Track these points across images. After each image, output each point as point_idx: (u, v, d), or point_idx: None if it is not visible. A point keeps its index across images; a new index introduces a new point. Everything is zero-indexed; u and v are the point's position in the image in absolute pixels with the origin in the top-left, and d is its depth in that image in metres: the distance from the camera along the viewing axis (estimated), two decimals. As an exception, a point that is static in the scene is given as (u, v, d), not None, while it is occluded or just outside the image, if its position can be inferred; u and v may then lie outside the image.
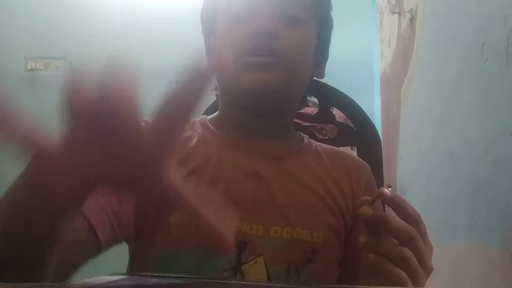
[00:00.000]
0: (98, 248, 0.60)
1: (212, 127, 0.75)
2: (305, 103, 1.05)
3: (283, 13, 0.70)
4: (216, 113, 0.79)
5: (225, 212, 0.52)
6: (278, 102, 0.72)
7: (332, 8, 0.79)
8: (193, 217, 0.37)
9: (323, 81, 1.00)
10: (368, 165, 0.81)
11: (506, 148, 0.79)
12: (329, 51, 0.81)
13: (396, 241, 0.52)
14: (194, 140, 0.72)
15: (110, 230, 0.61)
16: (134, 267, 0.70)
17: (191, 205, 0.38)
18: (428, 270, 0.53)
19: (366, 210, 0.52)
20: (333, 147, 0.84)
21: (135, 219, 0.66)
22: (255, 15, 0.69)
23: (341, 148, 0.89)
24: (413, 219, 0.52)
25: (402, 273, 0.50)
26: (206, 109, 0.92)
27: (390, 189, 0.53)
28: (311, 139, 0.81)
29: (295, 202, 0.69)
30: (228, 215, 0.47)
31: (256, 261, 0.64)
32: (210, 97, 0.91)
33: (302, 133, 0.82)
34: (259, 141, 0.73)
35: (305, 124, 1.01)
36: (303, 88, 0.77)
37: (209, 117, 0.79)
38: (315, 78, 0.80)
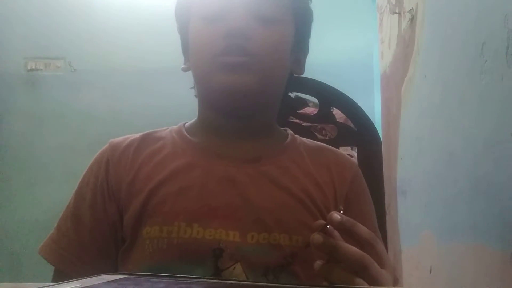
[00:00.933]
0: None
1: (187, 134, 0.75)
2: (305, 104, 1.05)
3: (257, 13, 0.68)
4: (196, 118, 0.78)
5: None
6: (253, 103, 0.70)
7: (311, 0, 0.77)
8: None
9: (323, 81, 1.00)
10: (354, 161, 0.80)
11: (506, 148, 0.79)
12: (309, 46, 0.79)
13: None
14: (164, 152, 0.72)
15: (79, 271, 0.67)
16: None
17: None
18: (385, 266, 0.52)
19: (316, 238, 0.50)
20: (319, 143, 0.82)
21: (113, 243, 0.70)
22: (228, 15, 0.68)
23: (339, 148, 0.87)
24: (367, 243, 0.52)
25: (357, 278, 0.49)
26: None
27: (342, 211, 0.52)
28: (296, 135, 0.80)
29: (272, 206, 0.68)
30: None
31: (235, 268, 0.64)
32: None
33: (289, 130, 0.81)
34: (237, 144, 0.72)
35: (305, 124, 1.01)
36: (281, 86, 0.76)
37: (188, 123, 0.78)
38: (295, 75, 0.79)
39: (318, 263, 0.52)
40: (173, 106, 2.13)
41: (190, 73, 0.76)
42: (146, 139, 0.74)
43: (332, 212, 0.52)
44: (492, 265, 0.84)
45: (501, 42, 0.80)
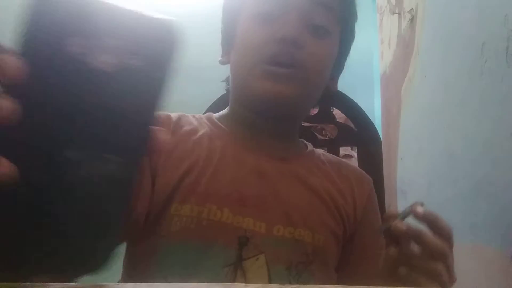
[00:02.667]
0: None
1: (219, 123, 0.75)
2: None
3: (311, 22, 0.67)
4: (225, 110, 0.78)
5: None
6: (290, 111, 0.71)
7: (357, 19, 0.77)
8: None
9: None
10: (370, 177, 0.81)
11: (506, 148, 0.79)
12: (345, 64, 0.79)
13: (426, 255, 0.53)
14: (199, 133, 0.71)
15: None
16: (131, 259, 0.69)
17: None
18: (453, 280, 0.54)
19: (400, 225, 0.53)
20: (336, 157, 0.84)
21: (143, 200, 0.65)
22: (282, 19, 0.66)
23: (345, 161, 0.89)
24: (446, 235, 0.54)
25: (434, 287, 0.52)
26: (213, 103, 0.92)
27: (423, 206, 0.54)
28: (314, 148, 0.81)
29: (299, 203, 0.69)
30: None
31: (258, 258, 0.64)
32: (216, 92, 0.89)
33: (305, 141, 0.82)
34: (266, 141, 0.73)
35: (305, 124, 1.01)
36: (317, 99, 0.76)
37: (216, 114, 0.78)
38: (329, 91, 0.78)
39: (393, 249, 0.55)
40: (174, 106, 2.13)
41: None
42: (183, 119, 0.74)
43: (415, 203, 0.54)
44: (492, 265, 0.84)
45: (501, 42, 0.80)
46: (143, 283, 0.41)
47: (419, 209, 0.53)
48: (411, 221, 0.54)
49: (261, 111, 0.71)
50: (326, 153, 0.82)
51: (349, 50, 0.78)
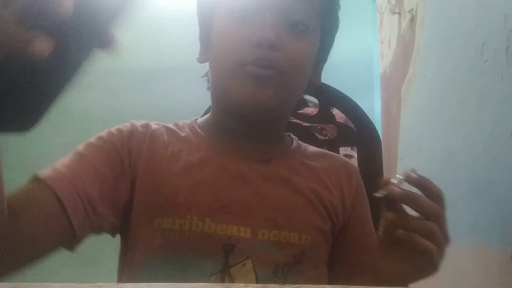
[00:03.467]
0: (72, 233, 0.59)
1: (199, 130, 0.74)
2: (305, 104, 1.05)
3: (289, 18, 0.66)
4: (208, 114, 0.78)
5: None
6: (270, 115, 0.70)
7: (340, 7, 0.75)
8: None
9: (323, 81, 1.00)
10: (356, 167, 0.82)
11: (506, 148, 0.79)
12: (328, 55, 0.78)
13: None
14: (178, 146, 0.71)
15: (84, 216, 0.60)
16: (122, 271, 0.70)
17: None
18: (448, 241, 0.59)
19: (396, 190, 0.55)
20: (322, 150, 0.83)
21: (117, 211, 0.65)
22: (258, 19, 0.64)
23: (339, 152, 0.89)
24: (438, 197, 0.57)
25: (430, 245, 0.55)
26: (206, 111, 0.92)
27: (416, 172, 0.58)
28: (300, 141, 0.80)
29: (283, 204, 0.69)
30: None
31: (244, 264, 0.64)
32: (208, 100, 0.89)
33: (292, 135, 0.81)
34: (247, 145, 0.72)
35: (305, 124, 1.01)
36: (299, 97, 0.76)
37: (200, 119, 0.78)
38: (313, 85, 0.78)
39: (390, 213, 0.57)
40: (174, 106, 2.13)
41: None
42: (161, 130, 0.74)
43: (408, 171, 0.57)
44: (492, 265, 0.84)
45: (501, 42, 0.80)
46: (142, 283, 0.41)
47: (413, 175, 0.57)
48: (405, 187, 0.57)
49: (241, 117, 0.71)
50: (310, 146, 0.81)
51: (333, 41, 0.77)
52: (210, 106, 0.91)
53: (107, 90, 2.78)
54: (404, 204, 0.57)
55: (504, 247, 0.79)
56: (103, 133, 0.70)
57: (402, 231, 0.56)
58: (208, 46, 0.72)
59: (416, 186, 0.57)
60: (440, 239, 0.56)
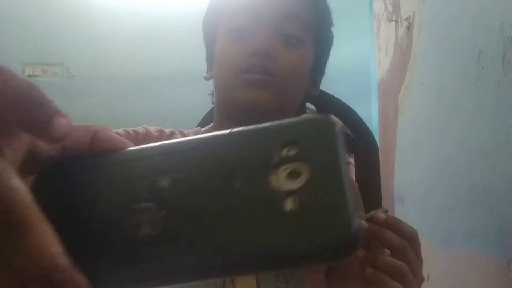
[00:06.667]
0: None
1: None
2: (303, 111, 1.06)
3: (282, 32, 0.70)
4: (211, 124, 0.80)
5: None
6: (270, 119, 0.71)
7: (333, 24, 0.79)
8: None
9: (321, 88, 1.01)
10: (354, 182, 0.82)
11: (502, 155, 0.79)
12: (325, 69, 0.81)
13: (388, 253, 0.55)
14: None
15: None
16: None
17: None
18: (420, 281, 0.56)
19: (381, 215, 0.54)
20: None
21: None
22: (254, 31, 0.70)
23: None
24: (408, 236, 0.55)
25: (398, 286, 0.53)
26: (202, 119, 0.93)
27: (387, 212, 0.56)
28: None
29: None
30: None
31: None
32: (206, 106, 0.91)
33: None
34: None
35: (303, 131, 1.01)
36: (297, 105, 0.78)
37: (203, 129, 0.80)
38: (310, 96, 0.81)
39: (361, 251, 0.56)
40: (172, 112, 2.13)
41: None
42: (176, 136, 0.75)
43: (377, 210, 0.55)
44: (489, 272, 0.84)
45: (497, 50, 0.81)
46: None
47: (380, 215, 0.55)
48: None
49: (243, 121, 0.71)
50: None
51: (328, 55, 0.81)
52: (207, 113, 0.92)
53: (107, 96, 2.78)
54: (370, 239, 0.55)
55: (501, 254, 0.79)
56: (119, 130, 0.71)
57: (370, 270, 0.55)
58: (212, 65, 0.77)
59: (385, 227, 0.55)
60: (408, 278, 0.54)
